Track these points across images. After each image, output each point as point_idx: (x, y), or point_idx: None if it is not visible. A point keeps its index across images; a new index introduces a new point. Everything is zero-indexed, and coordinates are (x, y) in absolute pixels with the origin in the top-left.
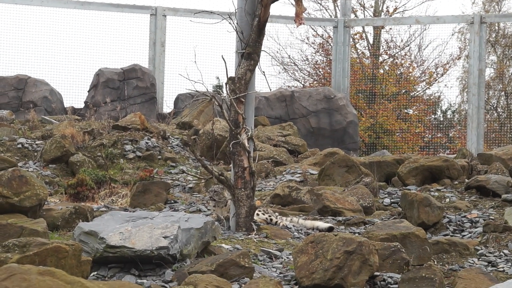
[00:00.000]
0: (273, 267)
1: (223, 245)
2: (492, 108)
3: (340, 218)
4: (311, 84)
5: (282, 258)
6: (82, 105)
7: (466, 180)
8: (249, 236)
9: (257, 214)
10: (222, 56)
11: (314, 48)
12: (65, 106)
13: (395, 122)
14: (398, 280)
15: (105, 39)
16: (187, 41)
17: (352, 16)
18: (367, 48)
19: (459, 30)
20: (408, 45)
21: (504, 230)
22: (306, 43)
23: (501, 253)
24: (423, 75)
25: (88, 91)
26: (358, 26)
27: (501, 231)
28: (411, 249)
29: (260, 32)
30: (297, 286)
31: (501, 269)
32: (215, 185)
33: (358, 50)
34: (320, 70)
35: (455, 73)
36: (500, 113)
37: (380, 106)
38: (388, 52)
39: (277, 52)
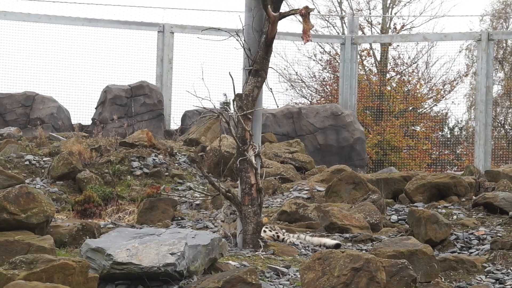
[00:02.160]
0: (280, 284)
1: (230, 261)
2: (499, 125)
3: (347, 235)
4: (318, 101)
5: (289, 275)
6: (89, 122)
7: (473, 197)
8: (256, 252)
9: (264, 231)
10: (229, 73)
11: (322, 65)
12: (73, 123)
13: (402, 139)
14: None
15: (113, 56)
16: (194, 58)
17: (360, 33)
18: (374, 65)
19: (466, 47)
20: (416, 62)
21: None
22: (314, 60)
23: (509, 270)
24: (430, 92)
25: (96, 108)
26: (366, 43)
27: (508, 248)
28: (418, 266)
29: (267, 49)
30: None
31: (509, 287)
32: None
33: (366, 67)
34: (328, 87)
35: (462, 90)
36: (508, 130)
37: (388, 123)
38: (396, 69)
39: (285, 69)
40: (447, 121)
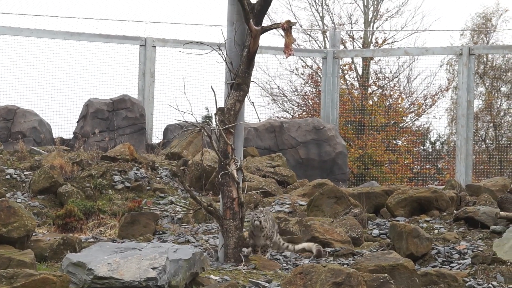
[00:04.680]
0: None
1: (212, 276)
2: (480, 139)
3: (328, 249)
4: (300, 115)
5: None
6: (71, 136)
7: (454, 211)
8: (238, 267)
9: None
10: (211, 86)
11: (303, 79)
12: (54, 137)
13: (384, 153)
14: None
15: (95, 69)
16: (176, 72)
17: (341, 47)
18: (356, 79)
19: (447, 61)
20: (397, 76)
21: (493, 261)
22: (296, 74)
23: (490, 285)
24: (412, 106)
25: (77, 122)
26: (347, 57)
27: (489, 262)
28: (400, 281)
29: (249, 63)
30: None
31: None
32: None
33: (347, 81)
34: (309, 101)
35: (443, 104)
36: (489, 145)
37: (369, 137)
38: (377, 83)
39: (267, 83)
40: (429, 135)
